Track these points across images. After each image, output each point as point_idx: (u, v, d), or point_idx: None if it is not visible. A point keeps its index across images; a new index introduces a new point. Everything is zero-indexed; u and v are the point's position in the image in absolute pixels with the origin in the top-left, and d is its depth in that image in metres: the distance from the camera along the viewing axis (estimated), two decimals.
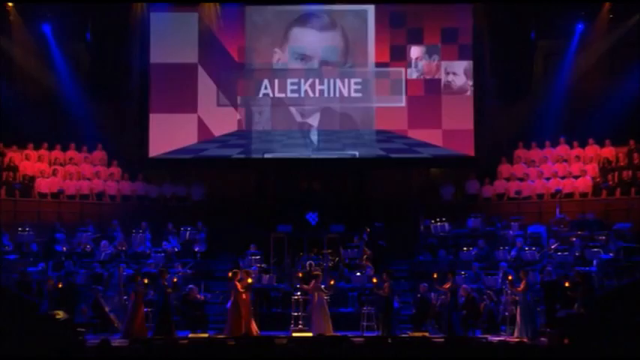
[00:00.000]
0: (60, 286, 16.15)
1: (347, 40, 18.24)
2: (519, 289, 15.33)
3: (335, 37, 18.14)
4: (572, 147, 20.50)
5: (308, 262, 16.96)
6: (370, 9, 18.76)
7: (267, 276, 16.95)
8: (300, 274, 16.41)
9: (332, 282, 16.04)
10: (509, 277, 15.81)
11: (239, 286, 15.41)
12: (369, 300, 16.42)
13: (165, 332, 15.09)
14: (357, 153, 20.37)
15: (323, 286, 15.77)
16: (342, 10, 18.18)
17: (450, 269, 16.43)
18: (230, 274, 15.66)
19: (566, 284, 15.32)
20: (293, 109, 20.63)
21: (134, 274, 16.22)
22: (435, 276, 16.18)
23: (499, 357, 9.83)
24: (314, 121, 20.57)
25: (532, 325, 15.10)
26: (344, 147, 20.63)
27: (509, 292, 15.98)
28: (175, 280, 16.01)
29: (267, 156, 20.25)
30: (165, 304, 15.45)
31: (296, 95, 20.74)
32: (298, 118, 20.60)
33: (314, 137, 20.05)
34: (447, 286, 15.74)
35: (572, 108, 20.55)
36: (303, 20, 19.05)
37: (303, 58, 19.07)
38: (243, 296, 15.33)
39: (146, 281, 15.74)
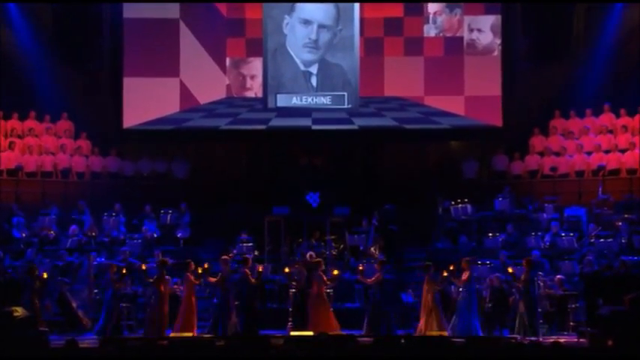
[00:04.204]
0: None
1: (338, 8, 20.97)
2: (461, 280, 15.28)
3: (328, 6, 21.03)
4: (618, 116, 20.39)
5: (308, 254, 16.92)
6: None
7: (261, 266, 16.90)
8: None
9: (335, 272, 15.97)
10: (510, 270, 15.82)
11: (325, 277, 15.51)
12: None
13: (251, 330, 15.19)
14: (345, 94, 20.79)
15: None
16: None
17: (385, 260, 16.49)
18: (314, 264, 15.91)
19: (509, 270, 15.70)
20: (297, 60, 21.01)
21: (186, 262, 16.00)
22: (361, 268, 16.20)
23: None
24: (314, 69, 21.14)
25: (467, 321, 15.12)
26: (342, 86, 20.91)
27: (541, 284, 15.95)
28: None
29: (279, 96, 20.93)
30: (250, 298, 15.45)
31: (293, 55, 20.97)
32: (301, 67, 21.19)
33: (314, 81, 21.06)
34: (374, 279, 15.62)
35: (619, 71, 20.43)
36: None
37: (305, 22, 20.86)
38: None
39: (200, 271, 15.59)
